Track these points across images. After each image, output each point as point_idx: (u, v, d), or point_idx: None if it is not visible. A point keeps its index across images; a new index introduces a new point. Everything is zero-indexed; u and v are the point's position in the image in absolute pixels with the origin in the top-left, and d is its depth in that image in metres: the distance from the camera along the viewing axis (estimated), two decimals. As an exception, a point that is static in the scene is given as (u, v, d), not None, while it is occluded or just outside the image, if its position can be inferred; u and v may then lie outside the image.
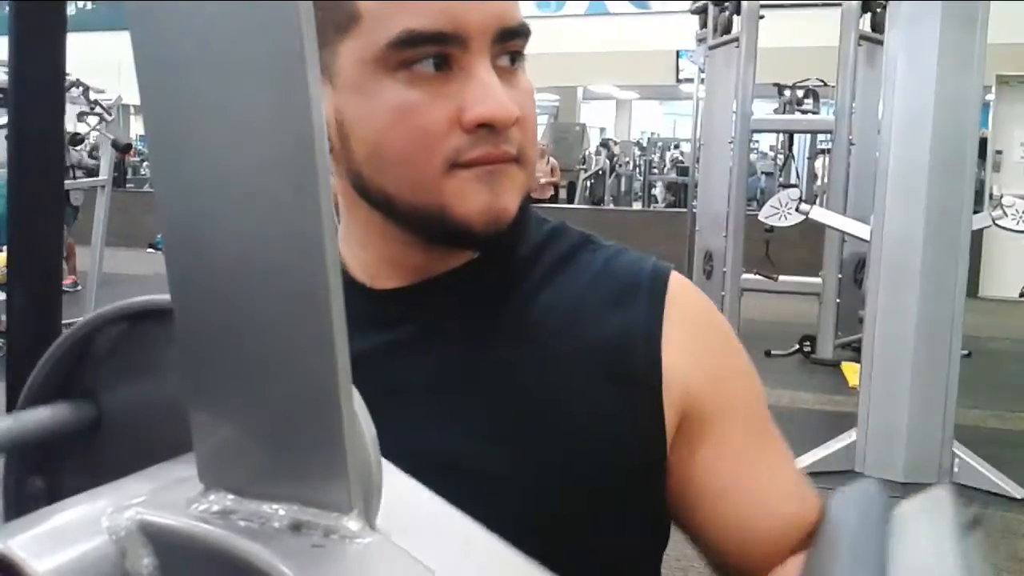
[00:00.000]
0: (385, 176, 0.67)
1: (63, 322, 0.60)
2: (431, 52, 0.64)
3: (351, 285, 0.75)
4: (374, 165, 0.67)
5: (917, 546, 0.49)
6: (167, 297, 0.32)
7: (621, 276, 0.76)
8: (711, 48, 6.47)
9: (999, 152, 9.00)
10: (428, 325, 0.74)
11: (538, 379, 0.72)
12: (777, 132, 9.24)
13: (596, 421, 0.71)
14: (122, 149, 6.38)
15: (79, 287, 7.67)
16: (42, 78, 0.57)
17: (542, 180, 12.07)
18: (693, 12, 6.95)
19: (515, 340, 0.73)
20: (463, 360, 0.73)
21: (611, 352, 0.72)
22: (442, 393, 0.72)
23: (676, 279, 0.77)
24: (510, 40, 0.67)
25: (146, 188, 12.64)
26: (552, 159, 12.30)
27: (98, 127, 6.40)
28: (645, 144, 15.50)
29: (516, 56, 0.69)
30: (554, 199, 12.27)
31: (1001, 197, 4.99)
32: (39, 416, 0.38)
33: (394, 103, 0.65)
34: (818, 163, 9.45)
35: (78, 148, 7.61)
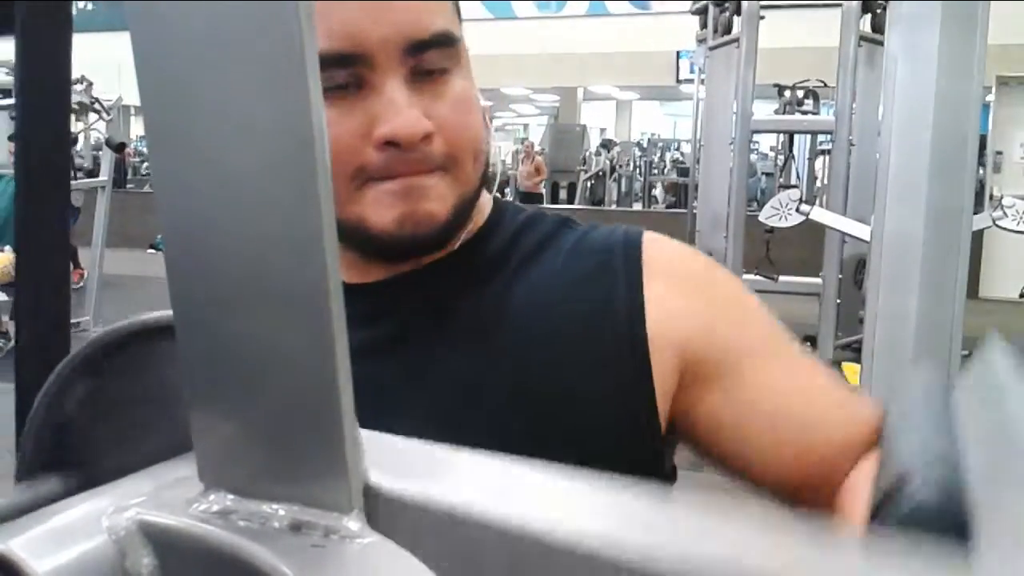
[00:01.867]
0: None
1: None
2: (344, 74, 0.65)
3: None
4: None
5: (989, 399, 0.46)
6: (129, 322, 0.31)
7: (595, 248, 0.75)
8: (711, 49, 6.47)
9: (999, 153, 9.00)
10: (405, 319, 0.74)
11: (519, 366, 0.71)
12: (777, 133, 9.22)
13: (580, 403, 0.70)
14: (116, 148, 6.38)
15: (82, 283, 7.68)
16: (48, 79, 0.57)
17: (526, 181, 12.20)
18: (693, 13, 6.94)
19: (493, 330, 0.73)
20: (442, 353, 0.72)
21: (592, 329, 0.72)
22: (422, 388, 0.72)
23: (649, 239, 0.76)
24: (424, 51, 0.67)
25: (146, 189, 12.64)
26: (538, 158, 12.42)
27: (95, 126, 6.41)
28: (645, 145, 15.49)
29: (437, 64, 0.68)
30: (569, 197, 12.38)
31: (1001, 198, 4.99)
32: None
33: None
34: (818, 164, 9.44)
35: (76, 148, 7.61)
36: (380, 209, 0.67)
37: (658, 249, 0.75)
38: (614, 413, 0.71)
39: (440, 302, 0.74)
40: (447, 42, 0.68)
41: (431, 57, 0.67)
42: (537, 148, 13.93)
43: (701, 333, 0.72)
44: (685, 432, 0.74)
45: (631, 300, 0.72)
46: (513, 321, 0.73)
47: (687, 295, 0.74)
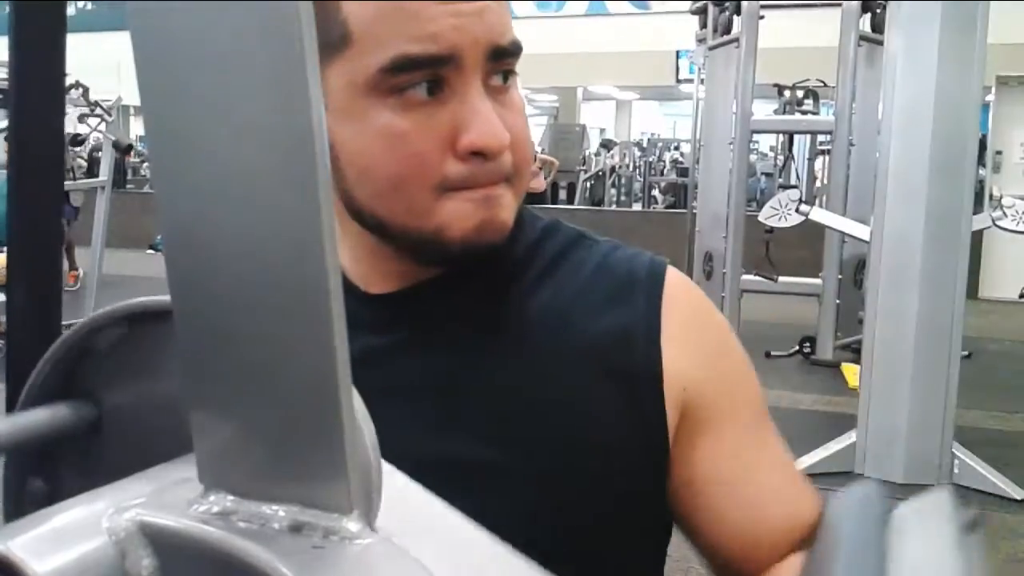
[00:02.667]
0: (377, 200, 0.67)
1: (63, 323, 0.60)
2: (425, 76, 0.64)
3: (346, 288, 0.75)
4: (365, 189, 0.67)
5: (917, 547, 0.49)
6: (165, 298, 0.31)
7: (617, 273, 0.75)
8: (711, 48, 6.47)
9: (999, 153, 9.00)
10: (423, 328, 0.74)
11: (536, 379, 0.71)
12: (777, 133, 9.24)
13: (596, 420, 0.71)
14: (123, 151, 6.39)
15: (78, 284, 7.67)
16: (42, 79, 0.57)
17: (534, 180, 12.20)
18: (693, 12, 6.95)
19: (511, 341, 0.73)
20: (459, 362, 0.72)
21: (610, 350, 0.72)
22: (438, 396, 0.72)
23: (673, 274, 0.76)
24: (502, 59, 0.66)
25: (146, 189, 12.64)
26: (540, 155, 12.43)
27: (99, 128, 6.41)
28: (645, 145, 15.50)
29: (508, 74, 0.68)
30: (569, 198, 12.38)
31: (1001, 198, 4.99)
32: (39, 417, 0.37)
33: (386, 129, 0.64)
34: (818, 164, 9.45)
35: (76, 149, 7.62)
36: (461, 219, 0.66)
37: (679, 288, 0.76)
38: (626, 428, 0.72)
39: (461, 309, 0.74)
40: (519, 51, 0.68)
41: (508, 64, 0.67)
42: (537, 148, 13.92)
43: (706, 383, 0.74)
44: None
45: (650, 325, 0.73)
46: (534, 331, 0.73)
47: (699, 341, 0.75)
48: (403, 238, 0.68)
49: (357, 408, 0.32)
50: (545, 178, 12.43)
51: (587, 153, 13.69)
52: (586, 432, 0.71)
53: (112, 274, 7.07)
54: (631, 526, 0.74)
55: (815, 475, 3.73)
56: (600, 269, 0.76)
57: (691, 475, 0.74)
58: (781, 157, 9.61)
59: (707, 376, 0.74)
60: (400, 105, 0.64)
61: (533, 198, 12.17)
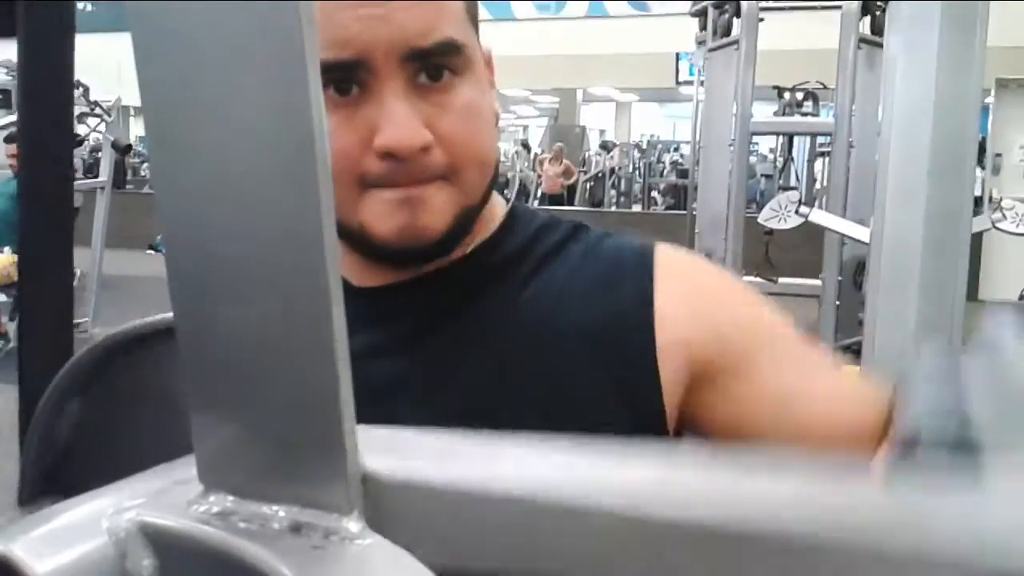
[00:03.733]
0: None
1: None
2: (338, 79, 0.65)
3: None
4: None
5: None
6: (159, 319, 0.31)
7: (606, 259, 0.75)
8: (711, 50, 6.47)
9: (998, 155, 9.00)
10: (413, 323, 0.74)
11: (527, 370, 0.71)
12: (777, 134, 9.23)
13: (588, 408, 0.71)
14: (122, 151, 6.38)
15: (75, 283, 7.65)
16: (50, 79, 0.57)
17: (551, 177, 12.27)
18: (693, 14, 6.95)
19: (504, 333, 0.73)
20: (450, 356, 0.72)
21: (601, 335, 0.72)
22: (429, 391, 0.72)
23: (663, 250, 0.76)
24: (426, 60, 0.66)
25: (146, 189, 12.63)
26: (566, 161, 12.51)
27: (98, 129, 6.40)
28: (645, 146, 15.50)
29: (441, 71, 0.67)
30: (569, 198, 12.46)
31: (1001, 200, 4.99)
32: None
33: None
34: (818, 165, 9.44)
35: (76, 149, 7.61)
36: (380, 218, 0.67)
37: (669, 256, 0.76)
38: (621, 417, 0.71)
39: (451, 305, 0.74)
40: (450, 50, 0.67)
41: (433, 65, 0.67)
42: (536, 150, 13.94)
43: (709, 336, 0.73)
44: (694, 431, 0.75)
45: (641, 307, 0.72)
46: (524, 324, 0.73)
47: (696, 299, 0.74)
48: (343, 234, 0.69)
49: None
50: (567, 181, 12.51)
51: (587, 154, 13.70)
52: (573, 422, 0.70)
53: (112, 274, 7.07)
54: None
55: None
56: (589, 258, 0.76)
57: (727, 421, 0.72)
58: (781, 159, 9.60)
59: (714, 326, 0.73)
60: (329, 102, 0.65)
61: (557, 199, 12.29)
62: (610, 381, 0.71)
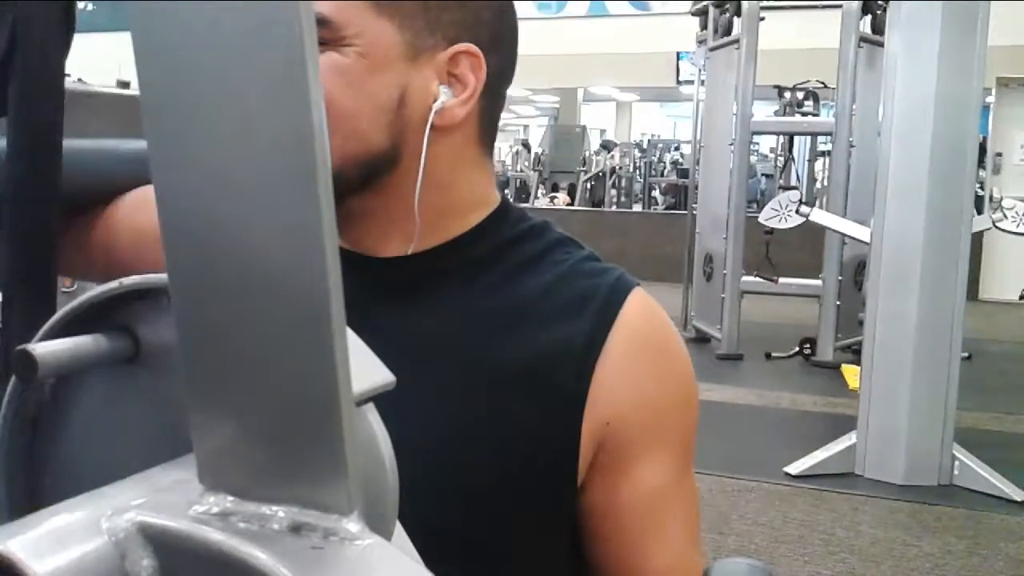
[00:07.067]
0: None
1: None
2: None
3: None
4: None
5: None
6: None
7: (579, 285, 0.74)
8: (711, 50, 6.48)
9: (999, 154, 9.01)
10: (383, 297, 0.74)
11: (464, 378, 0.72)
12: (777, 134, 9.23)
13: (510, 428, 0.71)
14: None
15: (75, 286, 7.65)
16: (42, 77, 0.57)
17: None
18: (693, 14, 6.95)
19: (458, 335, 0.73)
20: (411, 349, 0.71)
21: (543, 369, 0.72)
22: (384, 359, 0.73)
23: (636, 297, 0.75)
24: None
25: (146, 189, 12.61)
26: None
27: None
28: (645, 146, 15.50)
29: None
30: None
31: (1001, 199, 4.99)
32: (82, 342, 0.36)
33: None
34: (818, 165, 9.45)
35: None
36: None
37: (638, 312, 0.74)
38: (546, 440, 0.72)
39: (422, 290, 0.74)
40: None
41: None
42: (537, 149, 13.94)
43: (636, 411, 0.73)
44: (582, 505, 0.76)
45: (589, 344, 0.72)
46: (483, 328, 0.73)
47: (642, 366, 0.74)
48: None
49: (371, 416, 0.32)
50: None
51: (587, 154, 13.70)
52: (498, 439, 0.71)
53: (112, 274, 7.06)
54: (543, 530, 0.74)
55: (815, 476, 3.73)
56: (564, 279, 0.75)
57: (592, 505, 0.74)
58: (781, 158, 9.60)
59: (640, 405, 0.73)
60: None
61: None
62: (537, 406, 0.71)
